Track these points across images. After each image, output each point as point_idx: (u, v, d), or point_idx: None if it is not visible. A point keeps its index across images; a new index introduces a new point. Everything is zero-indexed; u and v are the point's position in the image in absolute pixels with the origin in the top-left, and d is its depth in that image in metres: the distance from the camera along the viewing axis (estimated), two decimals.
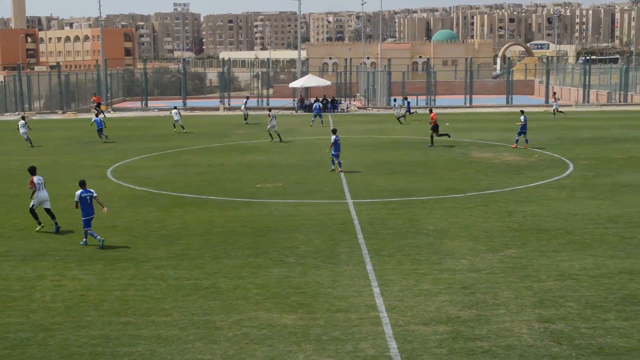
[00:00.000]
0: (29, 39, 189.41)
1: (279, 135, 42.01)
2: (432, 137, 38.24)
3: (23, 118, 44.87)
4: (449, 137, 39.16)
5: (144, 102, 73.72)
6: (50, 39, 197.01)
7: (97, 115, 47.38)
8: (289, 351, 12.09)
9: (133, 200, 25.28)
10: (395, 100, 59.14)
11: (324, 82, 70.75)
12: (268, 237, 19.60)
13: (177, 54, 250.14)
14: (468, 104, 70.16)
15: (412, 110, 56.84)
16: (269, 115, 42.46)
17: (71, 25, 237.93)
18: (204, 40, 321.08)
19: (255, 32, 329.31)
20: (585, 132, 45.17)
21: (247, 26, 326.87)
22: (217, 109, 68.73)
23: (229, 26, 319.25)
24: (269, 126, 41.91)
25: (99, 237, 18.97)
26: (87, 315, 13.97)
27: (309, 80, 69.46)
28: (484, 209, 22.65)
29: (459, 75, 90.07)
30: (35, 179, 20.66)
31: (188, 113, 67.28)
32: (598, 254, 17.53)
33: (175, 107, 52.23)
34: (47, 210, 20.91)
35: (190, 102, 73.41)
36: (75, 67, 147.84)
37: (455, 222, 21.01)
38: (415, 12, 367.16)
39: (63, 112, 67.72)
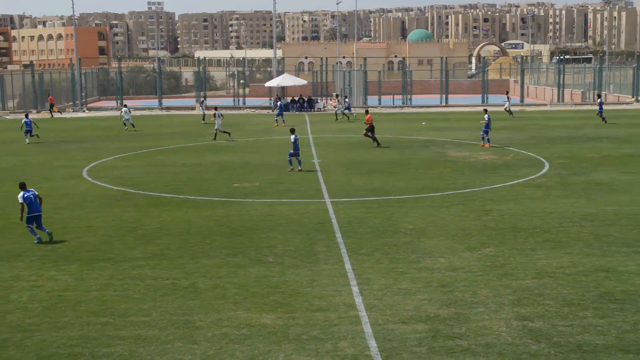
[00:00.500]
0: (1, 38, 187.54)
1: (217, 133, 42.31)
2: (370, 137, 38.01)
3: None
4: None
5: (119, 101, 73.21)
6: (23, 37, 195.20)
7: (27, 116, 46.64)
8: (269, 351, 12.07)
9: (109, 200, 25.10)
10: (337, 95, 62.17)
11: (300, 81, 70.72)
12: (246, 237, 19.56)
13: (151, 52, 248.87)
14: (444, 103, 70.50)
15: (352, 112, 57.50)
16: (214, 115, 42.74)
17: (44, 23, 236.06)
18: (178, 39, 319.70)
19: (231, 31, 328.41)
20: (560, 131, 45.55)
21: (222, 25, 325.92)
22: (192, 108, 68.45)
23: (204, 25, 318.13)
24: (216, 126, 42.07)
25: (39, 235, 19.34)
26: (65, 315, 13.86)
27: (285, 80, 69.39)
28: (461, 208, 22.77)
29: (435, 75, 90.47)
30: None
31: (164, 112, 67.04)
32: (574, 252, 17.68)
33: (125, 105, 52.99)
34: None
35: (166, 102, 73.05)
36: (49, 66, 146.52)
37: (433, 220, 21.10)
38: (390, 11, 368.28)
39: (37, 112, 67.06)
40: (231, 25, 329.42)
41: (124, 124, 49.58)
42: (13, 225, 20.76)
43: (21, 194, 19.36)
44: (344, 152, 36.59)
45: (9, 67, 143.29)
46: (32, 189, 19.79)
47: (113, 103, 74.81)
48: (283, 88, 70.90)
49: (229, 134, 42.34)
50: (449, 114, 60.18)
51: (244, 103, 71.61)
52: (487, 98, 72.20)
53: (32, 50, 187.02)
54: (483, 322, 13.10)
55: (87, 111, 68.56)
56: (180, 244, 18.96)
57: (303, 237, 19.38)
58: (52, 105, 65.13)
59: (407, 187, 26.53)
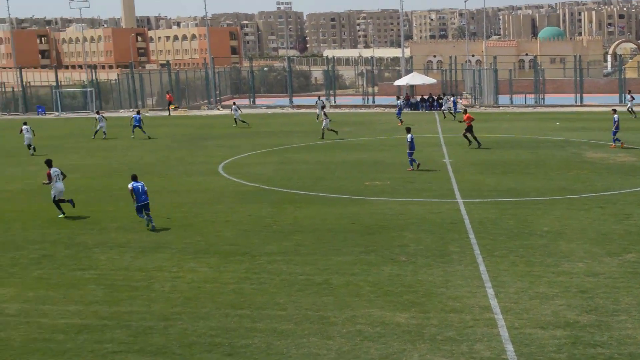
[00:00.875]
0: (139, 38, 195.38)
1: (324, 132, 42.37)
2: (469, 137, 37.12)
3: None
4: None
5: (251, 99, 74.97)
6: (159, 38, 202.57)
7: (138, 112, 48.69)
8: (404, 350, 12.09)
9: (244, 196, 25.78)
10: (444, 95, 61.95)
11: (429, 79, 70.20)
12: (378, 235, 19.63)
13: (281, 52, 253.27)
14: (578, 103, 68.21)
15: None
16: (323, 114, 43.36)
17: (178, 24, 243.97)
18: (307, 38, 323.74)
19: (358, 30, 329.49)
20: None
21: (350, 24, 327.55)
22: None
23: (332, 24, 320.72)
24: (323, 125, 42.54)
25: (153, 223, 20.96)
26: (205, 306, 14.36)
27: (414, 78, 69.06)
28: (600, 211, 21.99)
29: (568, 73, 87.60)
30: (52, 170, 22.81)
31: (294, 110, 68.11)
32: None
33: (234, 104, 55.76)
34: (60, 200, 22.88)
35: (297, 100, 74.15)
36: (183, 65, 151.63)
37: (570, 224, 20.48)
38: (520, 8, 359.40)
39: (174, 109, 69.62)
40: (358, 25, 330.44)
41: (235, 121, 52.06)
42: (154, 218, 21.61)
43: (131, 183, 21.17)
44: (475, 151, 36.02)
45: (147, 66, 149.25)
46: (142, 182, 21.48)
47: (245, 101, 76.60)
48: (412, 87, 70.60)
49: (335, 132, 42.47)
50: (585, 114, 58.16)
51: (373, 102, 71.75)
52: (623, 97, 69.30)
53: (168, 50, 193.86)
54: (626, 331, 12.63)
55: (221, 109, 70.53)
56: (313, 240, 19.25)
57: (435, 237, 19.27)
58: (170, 103, 67.86)
59: (542, 188, 25.85)
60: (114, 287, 15.72)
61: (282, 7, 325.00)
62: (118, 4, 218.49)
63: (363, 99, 74.23)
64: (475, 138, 36.95)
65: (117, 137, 46.47)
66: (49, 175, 22.82)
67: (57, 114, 70.33)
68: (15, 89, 79.33)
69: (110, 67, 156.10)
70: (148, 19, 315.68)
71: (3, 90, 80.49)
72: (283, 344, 12.44)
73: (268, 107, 71.08)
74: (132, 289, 15.54)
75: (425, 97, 66.27)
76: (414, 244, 18.63)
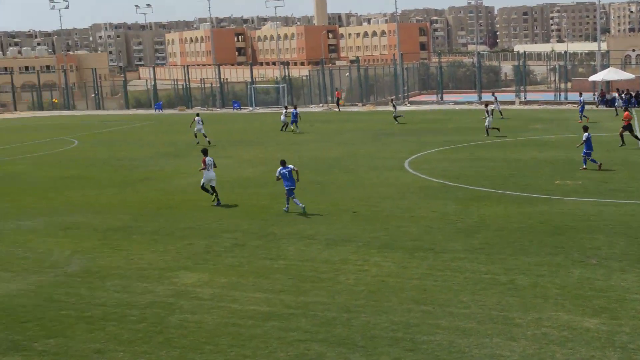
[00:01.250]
0: (330, 35, 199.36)
1: (488, 130, 41.11)
2: (622, 135, 35.61)
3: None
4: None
5: (439, 95, 74.53)
6: (349, 34, 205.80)
7: (295, 108, 50.39)
8: (592, 356, 11.59)
9: (430, 192, 25.70)
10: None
11: (626, 75, 66.60)
12: (567, 236, 18.91)
13: (470, 47, 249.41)
14: None
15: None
16: (486, 112, 42.58)
17: (369, 21, 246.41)
18: (497, 33, 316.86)
19: (551, 24, 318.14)
20: None
21: (543, 18, 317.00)
22: (512, 102, 67.55)
23: (524, 18, 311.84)
24: (486, 124, 41.75)
25: (301, 204, 22.41)
26: (388, 300, 14.47)
27: (610, 74, 65.78)
28: None
29: None
30: (207, 159, 24.81)
31: (483, 107, 66.86)
32: None
33: (392, 101, 58.00)
34: (212, 187, 24.78)
35: (485, 96, 72.83)
36: (372, 61, 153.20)
37: None
38: None
39: (363, 105, 70.61)
40: (552, 18, 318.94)
41: (395, 118, 52.11)
42: (339, 211, 22.01)
43: (279, 169, 23.02)
44: None
45: (337, 62, 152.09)
46: (290, 166, 23.06)
47: (433, 97, 76.26)
48: (608, 82, 67.29)
49: (498, 129, 41.42)
50: None
51: (566, 98, 69.07)
52: None
53: (358, 47, 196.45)
54: None
55: (408, 105, 70.66)
56: (499, 239, 18.86)
57: (631, 241, 18.28)
58: (338, 100, 69.50)
59: None
60: (301, 278, 16.20)
61: (472, 2, 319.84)
62: (311, 2, 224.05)
63: (555, 95, 71.69)
64: (635, 137, 35.97)
65: (309, 132, 47.78)
66: (204, 162, 24.80)
67: (251, 109, 73.33)
68: (214, 85, 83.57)
69: (302, 63, 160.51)
70: (339, 16, 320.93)
71: (203, 86, 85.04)
72: (465, 342, 12.31)
73: (456, 103, 70.35)
74: (317, 280, 15.95)
75: (623, 93, 62.93)
76: (607, 247, 17.78)
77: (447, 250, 17.89)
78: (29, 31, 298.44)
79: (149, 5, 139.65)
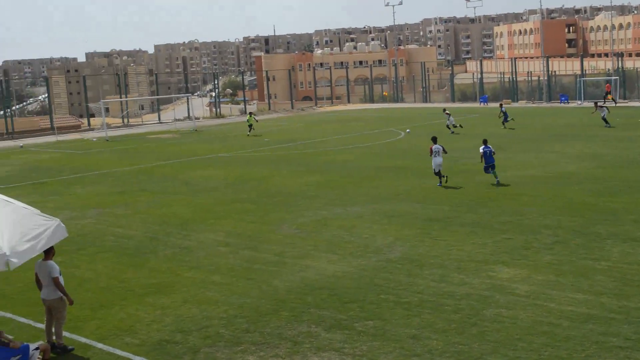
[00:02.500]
0: None
1: None
2: None
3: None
4: None
5: None
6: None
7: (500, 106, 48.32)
8: None
9: None
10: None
11: None
12: None
13: None
14: None
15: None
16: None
17: None
18: None
19: None
20: None
21: None
22: None
23: None
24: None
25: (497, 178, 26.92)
26: None
27: None
28: None
29: None
30: (434, 147, 27.82)
31: None
32: None
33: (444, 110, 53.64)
34: (438, 172, 27.78)
35: None
36: None
37: None
38: None
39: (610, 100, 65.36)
40: None
41: (448, 127, 49.02)
42: None
43: (482, 147, 27.55)
44: None
45: None
46: (490, 146, 27.59)
47: None
48: None
49: None
50: None
51: None
52: None
53: None
54: None
55: None
56: None
57: None
58: (607, 93, 65.39)
59: None
60: (625, 281, 15.30)
61: None
62: None
63: None
64: None
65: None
66: (431, 150, 27.79)
67: (579, 102, 70.40)
68: (541, 78, 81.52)
69: (638, 54, 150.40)
70: None
71: (529, 79, 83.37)
72: None
73: None
74: None
75: None
76: None
77: None
78: (364, 27, 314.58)
79: None
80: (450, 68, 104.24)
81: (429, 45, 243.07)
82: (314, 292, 15.62)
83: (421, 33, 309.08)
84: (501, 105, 53.03)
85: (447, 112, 51.52)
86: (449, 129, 49.04)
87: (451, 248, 18.73)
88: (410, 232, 20.68)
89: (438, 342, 12.56)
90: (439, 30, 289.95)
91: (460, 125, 49.57)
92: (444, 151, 28.08)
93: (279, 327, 13.68)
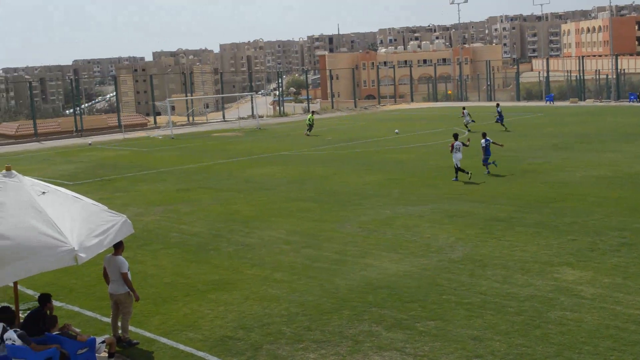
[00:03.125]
0: None
1: None
2: None
3: None
4: None
5: None
6: None
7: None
8: None
9: None
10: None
11: None
12: None
13: None
14: None
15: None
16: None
17: None
18: None
19: None
20: None
21: None
22: None
23: None
24: None
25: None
26: None
27: None
28: None
29: None
30: (455, 143, 29.48)
31: None
32: None
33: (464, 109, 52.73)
34: (458, 167, 29.35)
35: None
36: None
37: None
38: None
39: None
40: None
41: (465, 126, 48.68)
42: None
43: (483, 140, 30.60)
44: None
45: None
46: (489, 138, 30.80)
47: None
48: None
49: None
50: None
51: None
52: None
53: None
54: None
55: None
56: None
57: None
58: None
59: None
60: None
61: None
62: None
63: None
64: None
65: None
66: (452, 146, 29.50)
67: None
68: (609, 77, 79.80)
69: None
70: None
71: (597, 77, 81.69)
72: None
73: None
74: None
75: None
76: None
77: None
78: (429, 26, 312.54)
79: None
80: (515, 66, 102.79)
81: (494, 44, 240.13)
82: (375, 291, 15.61)
83: (486, 31, 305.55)
84: (498, 105, 52.78)
85: (465, 110, 51.82)
86: (467, 127, 49.54)
87: (515, 249, 18.49)
88: (473, 232, 20.48)
89: (501, 344, 12.42)
90: (504, 28, 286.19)
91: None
92: (464, 145, 30.04)
93: (340, 325, 13.71)
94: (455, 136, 30.27)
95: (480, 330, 13.07)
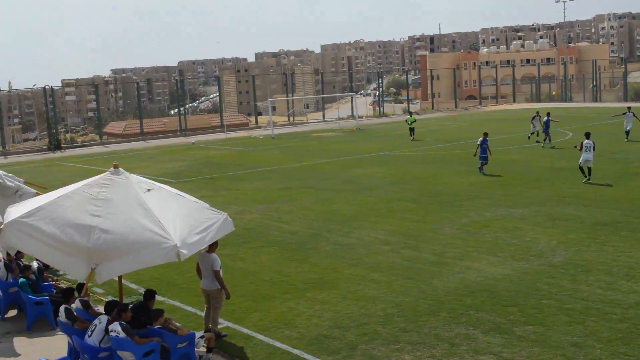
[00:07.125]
0: None
1: None
2: None
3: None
4: None
5: None
6: None
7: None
8: None
9: None
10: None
11: None
12: None
13: None
14: None
15: None
16: None
17: None
18: None
19: None
20: None
21: None
22: None
23: None
24: None
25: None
26: None
27: None
28: None
29: None
30: (585, 142, 28.59)
31: None
32: None
33: (537, 113, 45.20)
34: (589, 169, 28.55)
35: None
36: None
37: None
38: None
39: None
40: None
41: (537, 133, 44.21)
42: None
43: (480, 139, 31.92)
44: None
45: None
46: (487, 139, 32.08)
47: None
48: None
49: None
50: None
51: None
52: None
53: None
54: None
55: None
56: None
57: None
58: None
59: None
60: None
61: None
62: None
63: None
64: None
65: None
66: (581, 145, 28.60)
67: None
68: None
69: None
70: None
71: None
72: None
73: None
74: None
75: None
76: None
77: None
78: (532, 25, 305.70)
79: None
80: (623, 66, 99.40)
81: (601, 43, 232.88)
82: (473, 293, 15.45)
83: (593, 30, 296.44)
84: (548, 114, 43.36)
85: (538, 115, 44.45)
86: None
87: (620, 254, 17.94)
88: (576, 236, 19.98)
89: (602, 352, 12.09)
90: (612, 27, 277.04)
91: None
92: (594, 149, 28.79)
93: (437, 327, 13.63)
94: (587, 135, 29.56)
95: (581, 337, 12.76)
